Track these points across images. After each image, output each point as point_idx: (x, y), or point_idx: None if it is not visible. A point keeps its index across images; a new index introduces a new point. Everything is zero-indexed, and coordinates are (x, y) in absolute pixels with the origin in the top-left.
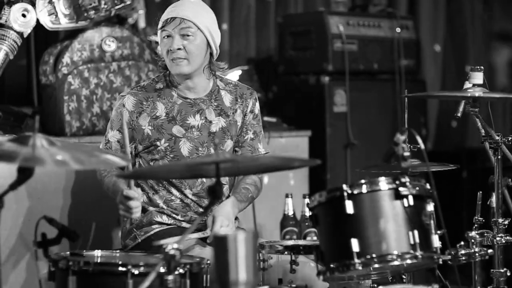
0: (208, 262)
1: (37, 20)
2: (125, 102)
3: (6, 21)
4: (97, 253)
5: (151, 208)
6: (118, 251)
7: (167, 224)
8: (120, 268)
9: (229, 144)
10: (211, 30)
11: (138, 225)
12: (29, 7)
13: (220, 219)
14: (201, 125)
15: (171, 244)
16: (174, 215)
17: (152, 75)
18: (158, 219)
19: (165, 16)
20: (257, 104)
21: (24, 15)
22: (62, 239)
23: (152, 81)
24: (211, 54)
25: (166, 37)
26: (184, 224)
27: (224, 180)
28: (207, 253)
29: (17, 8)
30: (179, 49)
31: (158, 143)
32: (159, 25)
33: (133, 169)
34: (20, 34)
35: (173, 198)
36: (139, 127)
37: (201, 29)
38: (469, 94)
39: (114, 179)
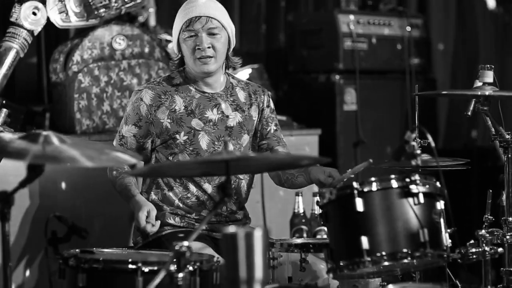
0: (218, 259)
1: (48, 18)
2: (142, 96)
3: (16, 19)
4: (107, 250)
5: (165, 207)
6: (128, 249)
7: (179, 227)
8: (130, 266)
9: (245, 139)
10: (231, 27)
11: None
12: (40, 5)
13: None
14: (217, 119)
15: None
16: (188, 215)
17: (163, 73)
18: (171, 221)
19: (187, 14)
20: (271, 100)
21: (34, 13)
22: (72, 237)
23: (167, 77)
24: (228, 49)
25: (191, 36)
26: (197, 225)
27: (242, 175)
28: None
29: (28, 6)
30: (208, 47)
31: (177, 136)
32: (181, 24)
33: (143, 167)
34: (31, 32)
35: (189, 195)
36: (157, 120)
37: (225, 26)
38: (479, 92)
39: (125, 182)
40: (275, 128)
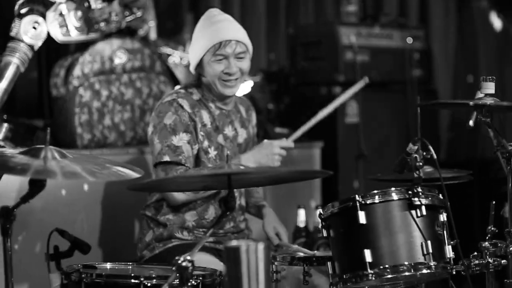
0: (221, 273)
1: (48, 33)
2: (182, 104)
3: (16, 34)
4: (109, 265)
5: (172, 223)
6: (130, 263)
7: (187, 240)
8: (133, 281)
9: None
10: (251, 45)
11: (157, 237)
12: (40, 19)
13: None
14: (232, 136)
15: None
16: (197, 229)
17: (163, 86)
18: (179, 235)
19: (216, 37)
20: (255, 114)
21: (34, 28)
22: (74, 252)
23: (186, 91)
24: None
25: (220, 60)
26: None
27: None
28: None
29: (28, 20)
30: (236, 72)
31: (209, 150)
32: (208, 46)
33: (144, 181)
34: (31, 46)
35: (206, 216)
36: (195, 128)
37: (249, 49)
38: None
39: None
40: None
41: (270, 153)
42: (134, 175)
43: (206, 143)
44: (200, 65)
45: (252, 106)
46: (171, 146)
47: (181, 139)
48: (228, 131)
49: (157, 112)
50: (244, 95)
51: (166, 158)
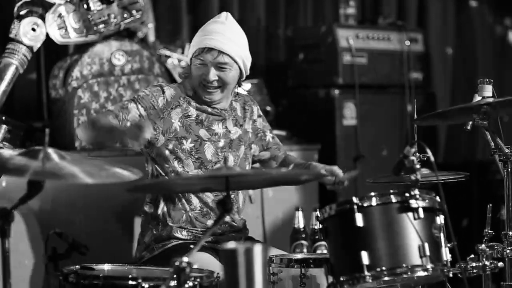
0: (219, 275)
1: (47, 34)
2: (165, 90)
3: (16, 35)
4: (107, 266)
5: (171, 223)
6: (128, 264)
7: (185, 240)
8: (130, 282)
9: (242, 150)
10: (244, 59)
11: (157, 238)
12: (39, 21)
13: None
14: (222, 134)
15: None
16: (194, 229)
17: None
18: (178, 234)
19: (200, 43)
20: (259, 108)
21: (34, 29)
22: (72, 253)
23: (184, 83)
24: (240, 78)
25: (200, 64)
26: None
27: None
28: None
29: (27, 22)
30: (214, 80)
31: (184, 141)
32: (195, 48)
33: (143, 182)
34: (30, 48)
35: (192, 207)
36: (169, 119)
37: (236, 61)
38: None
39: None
40: (271, 135)
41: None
42: (133, 176)
43: (182, 134)
44: (190, 62)
45: (251, 100)
46: (123, 105)
47: (135, 108)
48: (217, 128)
49: (141, 90)
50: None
51: (111, 108)
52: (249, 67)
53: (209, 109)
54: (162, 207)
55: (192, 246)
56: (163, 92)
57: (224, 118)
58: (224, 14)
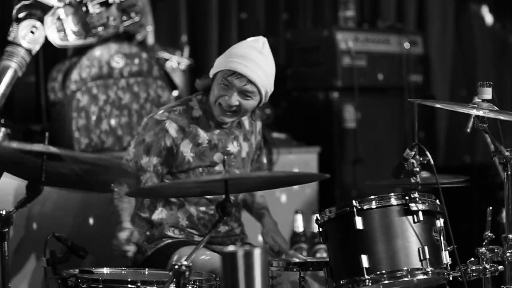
0: (218, 278)
1: (46, 37)
2: (168, 128)
3: (14, 38)
4: (106, 270)
5: (164, 223)
6: (127, 268)
7: (178, 239)
8: (129, 286)
9: (248, 166)
10: (268, 90)
11: (149, 238)
12: (38, 24)
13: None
14: (237, 152)
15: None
16: (187, 230)
17: (161, 91)
18: (170, 233)
19: (233, 66)
20: (260, 121)
21: (32, 32)
22: (71, 257)
23: (186, 107)
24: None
25: (225, 85)
26: (196, 238)
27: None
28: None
29: (26, 25)
30: (235, 105)
31: (200, 169)
32: (223, 67)
33: (141, 187)
34: (29, 51)
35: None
36: (180, 153)
37: (261, 91)
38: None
39: (120, 207)
40: (258, 152)
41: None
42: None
43: (196, 164)
44: (215, 76)
45: (257, 115)
46: (137, 164)
47: (149, 162)
48: (233, 147)
49: (145, 122)
50: None
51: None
52: (270, 94)
53: (217, 131)
54: (158, 213)
55: (184, 244)
56: (167, 131)
57: (235, 135)
58: (261, 40)
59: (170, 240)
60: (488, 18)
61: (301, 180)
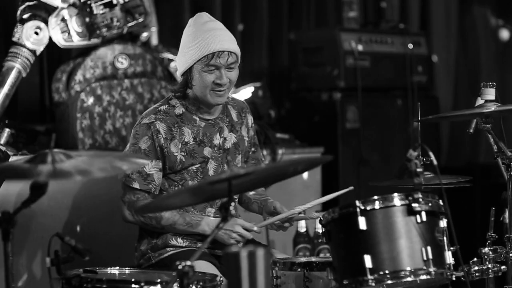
0: (221, 279)
1: (50, 38)
2: (159, 128)
3: (18, 39)
4: (110, 270)
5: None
6: (132, 268)
7: (182, 247)
8: (133, 286)
9: (239, 160)
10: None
11: (153, 247)
12: (42, 25)
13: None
14: (220, 143)
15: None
16: (190, 237)
17: (165, 92)
18: (173, 242)
19: (209, 46)
20: (251, 116)
21: (36, 33)
22: (74, 257)
23: (168, 106)
24: None
25: (211, 70)
26: (199, 244)
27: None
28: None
29: (30, 26)
30: (227, 82)
31: (193, 167)
32: (200, 55)
33: (147, 203)
34: (33, 51)
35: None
36: (171, 154)
37: (238, 56)
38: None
39: (176, 218)
40: (254, 149)
41: (229, 230)
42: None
43: (188, 162)
44: (189, 71)
45: (247, 108)
46: (142, 173)
47: (154, 166)
48: (217, 139)
49: (135, 131)
50: (246, 100)
51: (136, 185)
52: None
53: (203, 124)
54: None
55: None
56: (159, 132)
57: (220, 127)
58: (203, 14)
59: (174, 251)
60: (505, 35)
61: (304, 168)
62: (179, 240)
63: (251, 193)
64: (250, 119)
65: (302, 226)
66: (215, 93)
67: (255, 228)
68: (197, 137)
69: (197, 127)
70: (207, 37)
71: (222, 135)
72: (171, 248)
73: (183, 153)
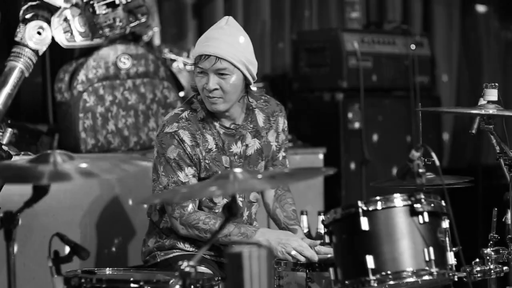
0: (220, 278)
1: (52, 38)
2: (183, 138)
3: (21, 39)
4: (109, 270)
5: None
6: (131, 268)
7: (188, 251)
8: (132, 285)
9: (261, 165)
10: (247, 64)
11: (160, 246)
12: (45, 24)
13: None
14: (242, 152)
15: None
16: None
17: (167, 92)
18: (180, 245)
19: (199, 50)
20: (286, 120)
21: (39, 33)
22: (74, 257)
23: (190, 111)
24: (247, 84)
25: (201, 73)
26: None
27: (254, 198)
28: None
29: (33, 25)
30: (215, 89)
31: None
32: (195, 58)
33: (154, 196)
34: (36, 51)
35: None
36: (198, 160)
37: (237, 66)
38: (483, 111)
39: (230, 228)
40: (284, 154)
41: (285, 243)
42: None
43: (214, 169)
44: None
45: (281, 111)
46: (178, 183)
47: (187, 175)
48: (235, 148)
49: (159, 140)
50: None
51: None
52: (255, 71)
53: (222, 131)
54: (166, 220)
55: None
56: (183, 141)
57: (241, 135)
58: (225, 18)
59: (180, 253)
60: (481, 8)
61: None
62: (187, 245)
63: (283, 214)
64: (282, 122)
65: (304, 226)
66: (209, 100)
67: (309, 254)
68: (218, 144)
69: (217, 133)
70: (202, 40)
71: (244, 143)
72: (177, 251)
73: (207, 161)
